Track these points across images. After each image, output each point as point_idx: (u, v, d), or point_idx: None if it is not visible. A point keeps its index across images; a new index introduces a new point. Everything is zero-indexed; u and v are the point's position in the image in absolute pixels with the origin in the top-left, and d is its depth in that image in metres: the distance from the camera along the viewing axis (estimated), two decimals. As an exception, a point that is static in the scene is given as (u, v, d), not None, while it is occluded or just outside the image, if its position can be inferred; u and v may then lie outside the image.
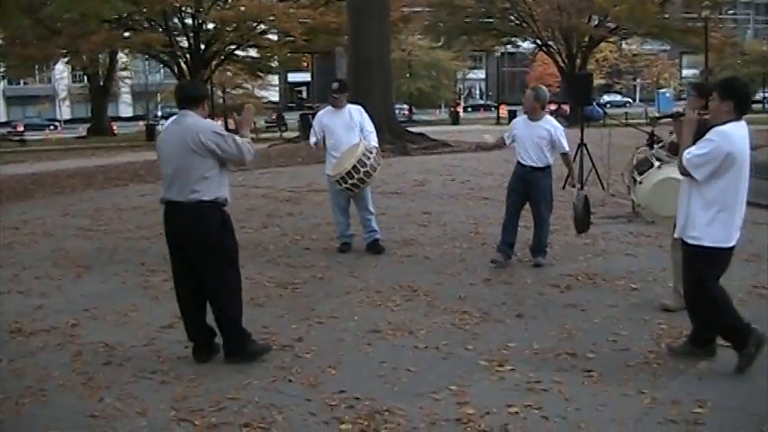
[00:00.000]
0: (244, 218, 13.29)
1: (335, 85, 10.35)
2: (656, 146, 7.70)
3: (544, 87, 9.85)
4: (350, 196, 10.15)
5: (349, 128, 10.14)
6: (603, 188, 14.73)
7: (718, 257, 5.93)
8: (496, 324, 7.25)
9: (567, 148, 9.49)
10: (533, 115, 9.35)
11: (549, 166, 9.39)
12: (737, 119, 5.78)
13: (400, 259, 9.99)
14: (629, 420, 5.14)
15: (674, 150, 7.41)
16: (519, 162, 9.45)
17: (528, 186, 9.36)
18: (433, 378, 5.90)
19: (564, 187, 14.90)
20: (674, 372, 5.97)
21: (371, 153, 9.73)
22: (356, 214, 10.51)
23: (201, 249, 6.10)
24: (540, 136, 9.23)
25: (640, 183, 7.30)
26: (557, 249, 10.20)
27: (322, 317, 7.55)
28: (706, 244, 5.85)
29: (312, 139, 10.43)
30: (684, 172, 5.88)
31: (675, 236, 6.10)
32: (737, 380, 5.80)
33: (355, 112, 10.27)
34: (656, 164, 7.31)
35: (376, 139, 10.23)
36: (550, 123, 9.37)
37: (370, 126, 10.29)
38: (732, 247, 5.95)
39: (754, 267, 9.11)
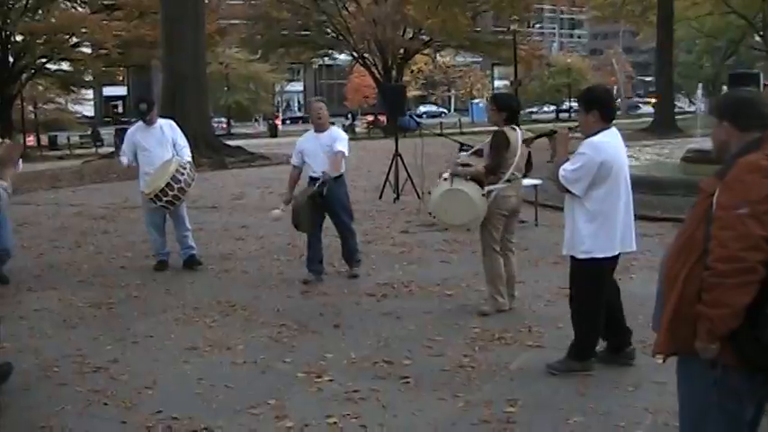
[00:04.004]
0: (56, 237, 12.90)
1: (143, 106, 10.04)
2: (463, 153, 7.87)
3: (319, 98, 9.92)
4: (165, 213, 9.99)
5: (162, 143, 9.98)
6: (419, 197, 15.00)
7: (609, 266, 6.04)
8: (314, 336, 7.28)
9: (344, 150, 9.23)
10: (323, 126, 9.29)
11: (341, 175, 9.34)
12: (606, 127, 5.86)
13: (218, 275, 9.91)
14: (445, 424, 5.27)
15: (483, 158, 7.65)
16: (310, 177, 9.30)
17: (323, 198, 9.19)
18: (252, 393, 5.88)
19: (380, 197, 15.16)
20: (487, 374, 6.15)
21: (185, 169, 9.62)
22: (172, 231, 10.35)
23: None
24: (328, 145, 9.16)
25: (429, 193, 7.47)
26: (373, 258, 10.34)
27: (138, 336, 7.38)
28: (598, 255, 5.89)
29: (123, 160, 10.24)
30: (563, 189, 5.93)
31: (564, 253, 6.13)
32: (546, 378, 6.03)
33: (167, 128, 10.12)
34: (444, 175, 7.50)
35: (189, 154, 10.13)
36: (335, 132, 9.39)
37: (182, 141, 10.18)
38: (618, 255, 6.03)
39: (560, 270, 9.49)
